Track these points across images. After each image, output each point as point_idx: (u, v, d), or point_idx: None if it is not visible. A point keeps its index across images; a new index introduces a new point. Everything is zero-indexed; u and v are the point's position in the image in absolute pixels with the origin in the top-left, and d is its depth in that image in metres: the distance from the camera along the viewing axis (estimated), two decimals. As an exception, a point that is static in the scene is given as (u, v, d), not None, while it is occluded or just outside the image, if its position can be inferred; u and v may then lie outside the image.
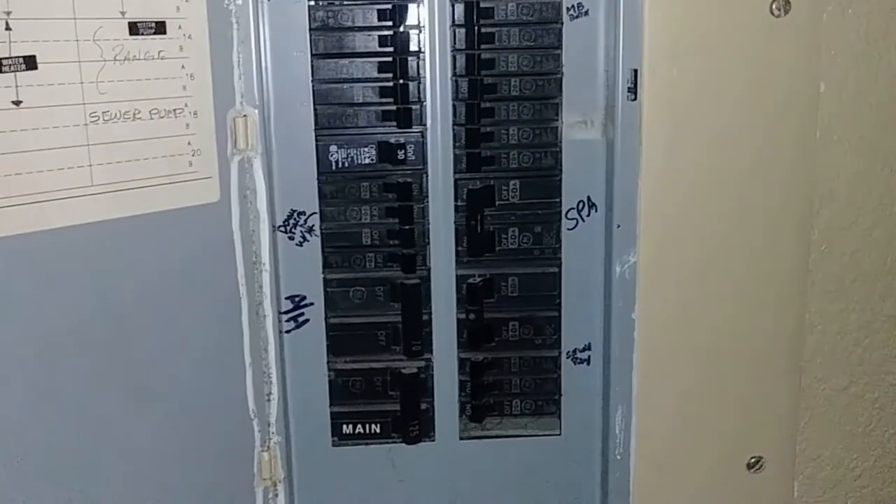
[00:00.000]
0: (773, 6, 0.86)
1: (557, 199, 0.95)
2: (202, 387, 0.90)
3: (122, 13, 0.78)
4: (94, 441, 0.84)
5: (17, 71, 0.73)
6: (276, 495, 0.97)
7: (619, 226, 0.92)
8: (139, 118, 0.81)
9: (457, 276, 0.95)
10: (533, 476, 1.01)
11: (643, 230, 0.92)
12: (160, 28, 0.80)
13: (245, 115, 0.88)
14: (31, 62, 0.74)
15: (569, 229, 0.95)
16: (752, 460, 0.99)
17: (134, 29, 0.79)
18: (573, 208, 0.95)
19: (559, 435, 1.00)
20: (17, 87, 0.73)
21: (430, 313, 0.96)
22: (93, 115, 0.78)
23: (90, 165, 0.78)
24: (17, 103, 0.73)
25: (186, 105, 0.83)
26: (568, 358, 0.99)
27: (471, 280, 0.96)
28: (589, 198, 0.95)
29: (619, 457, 0.98)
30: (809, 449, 1.00)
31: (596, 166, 0.94)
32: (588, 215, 0.95)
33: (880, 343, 0.98)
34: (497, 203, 0.95)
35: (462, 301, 0.96)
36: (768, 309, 0.95)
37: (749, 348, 0.96)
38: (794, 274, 0.95)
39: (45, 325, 0.79)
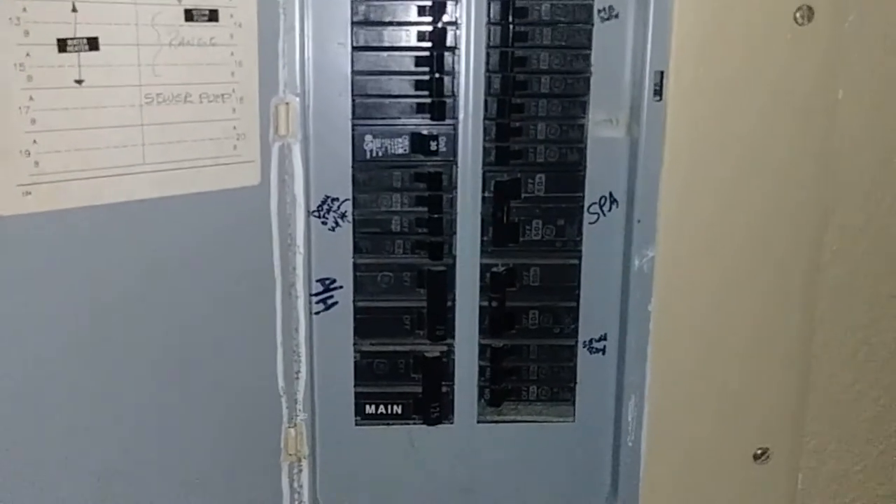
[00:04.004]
0: (797, 14, 0.90)
1: (580, 194, 0.98)
2: (235, 362, 0.93)
3: (180, 0, 0.81)
4: (128, 407, 0.87)
5: (81, 51, 0.76)
6: (301, 471, 1.00)
7: (639, 221, 0.96)
8: (190, 101, 0.84)
9: (481, 264, 0.99)
10: (546, 460, 1.04)
11: (663, 226, 0.95)
12: (213, 15, 0.84)
13: (287, 103, 0.91)
14: (93, 43, 0.77)
15: (590, 223, 0.99)
16: (759, 451, 1.02)
17: (189, 15, 0.82)
18: (595, 203, 0.98)
19: (573, 421, 1.03)
20: (79, 66, 0.77)
21: (454, 300, 0.99)
22: (147, 96, 0.81)
23: (143, 145, 0.82)
24: (79, 82, 0.77)
25: (234, 90, 0.87)
26: (584, 347, 1.02)
27: (494, 269, 0.99)
28: (611, 193, 0.98)
29: (630, 444, 1.01)
30: (814, 442, 1.03)
31: (619, 163, 0.97)
32: (609, 210, 0.98)
33: (887, 342, 1.02)
34: (523, 195, 0.98)
35: (485, 289, 0.99)
36: (779, 306, 0.99)
37: (759, 343, 0.99)
38: (805, 273, 0.98)
39: (93, 294, 0.82)
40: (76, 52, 0.76)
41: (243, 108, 0.88)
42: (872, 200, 0.97)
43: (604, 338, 1.02)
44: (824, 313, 0.99)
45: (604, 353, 1.02)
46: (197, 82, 0.84)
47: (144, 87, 0.81)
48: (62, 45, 0.75)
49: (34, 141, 0.75)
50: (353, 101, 0.94)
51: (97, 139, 0.79)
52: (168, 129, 0.83)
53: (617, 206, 0.98)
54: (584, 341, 1.02)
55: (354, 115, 0.95)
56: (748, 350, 1.00)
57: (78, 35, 0.76)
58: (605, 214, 0.99)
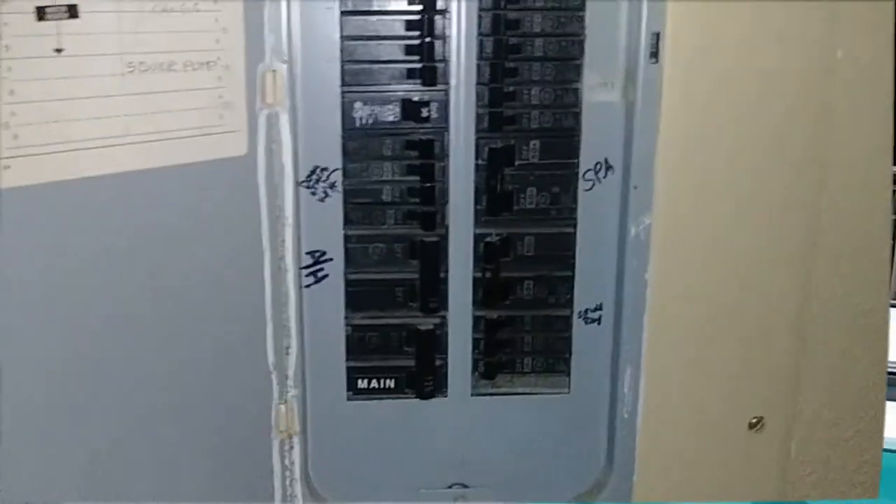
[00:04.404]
0: (797, -27, 0.88)
1: (575, 160, 0.96)
2: (223, 337, 0.91)
3: (162, -36, 0.79)
4: (113, 384, 0.85)
5: (60, 19, 0.73)
6: (292, 448, 0.98)
7: (635, 187, 0.94)
8: (173, 70, 0.81)
9: (474, 234, 0.96)
10: (541, 432, 1.03)
11: (659, 192, 0.94)
12: (197, -20, 0.81)
13: (274, 71, 0.88)
14: (73, 11, 0.74)
15: (585, 190, 0.96)
16: (754, 420, 1.01)
17: (172, -19, 0.79)
18: (590, 169, 0.96)
19: (568, 393, 1.02)
20: (58, 35, 0.74)
21: (446, 271, 0.97)
22: (130, 65, 0.78)
23: (126, 115, 0.79)
24: (58, 51, 0.74)
25: (219, 58, 0.84)
26: (580, 317, 1.00)
27: (488, 239, 0.97)
28: (606, 159, 0.96)
29: (626, 415, 1.00)
30: (807, 411, 1.02)
31: (614, 128, 0.95)
32: (605, 177, 0.96)
33: (881, 308, 1.00)
34: (517, 163, 0.95)
35: (479, 259, 0.97)
36: (775, 275, 0.98)
37: (755, 312, 0.98)
38: (802, 240, 0.97)
39: (77, 269, 0.80)
40: (55, 20, 0.73)
41: (229, 77, 0.85)
42: (870, 166, 0.95)
43: (599, 307, 1.00)
44: (819, 281, 0.98)
45: (599, 324, 1.00)
46: (181, 50, 0.81)
47: (126, 56, 0.78)
48: (41, 13, 0.72)
49: (13, 113, 0.73)
50: (342, 67, 0.91)
51: (78, 110, 0.76)
52: (151, 98, 0.80)
53: (613, 173, 0.96)
54: (580, 311, 1.00)
55: (343, 82, 0.92)
56: (744, 319, 0.98)
57: (57, 2, 0.73)
58: (600, 181, 0.96)
